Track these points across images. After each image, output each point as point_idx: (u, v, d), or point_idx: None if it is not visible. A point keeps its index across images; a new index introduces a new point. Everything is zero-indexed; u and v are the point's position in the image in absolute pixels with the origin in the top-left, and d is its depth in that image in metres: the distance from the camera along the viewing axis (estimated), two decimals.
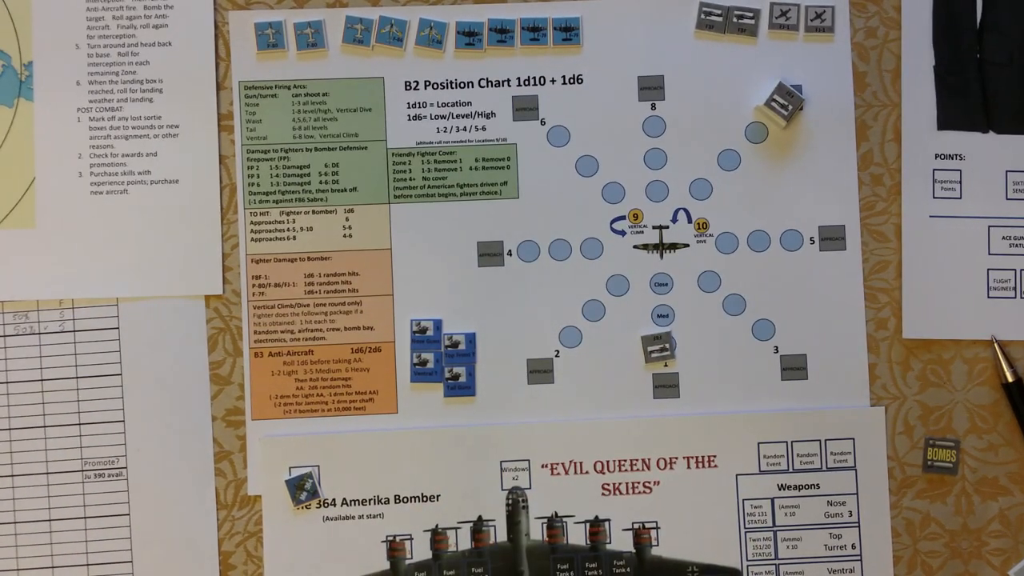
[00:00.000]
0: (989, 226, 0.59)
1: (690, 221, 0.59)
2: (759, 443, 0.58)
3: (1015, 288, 0.59)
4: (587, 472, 0.58)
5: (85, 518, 0.58)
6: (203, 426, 0.58)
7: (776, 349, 0.59)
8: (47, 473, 0.58)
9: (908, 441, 0.58)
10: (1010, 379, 0.58)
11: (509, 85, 0.59)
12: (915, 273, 0.58)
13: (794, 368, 0.58)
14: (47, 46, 0.58)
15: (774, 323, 0.59)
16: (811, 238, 0.59)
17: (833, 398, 0.58)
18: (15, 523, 0.58)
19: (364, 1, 0.59)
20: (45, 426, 0.58)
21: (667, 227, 0.59)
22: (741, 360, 0.58)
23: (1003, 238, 0.59)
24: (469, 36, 0.59)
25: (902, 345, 0.59)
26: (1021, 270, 0.59)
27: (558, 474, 0.58)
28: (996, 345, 0.58)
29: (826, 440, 0.58)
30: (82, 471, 0.58)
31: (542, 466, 0.58)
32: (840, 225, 0.59)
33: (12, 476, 0.58)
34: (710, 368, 0.58)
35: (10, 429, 0.58)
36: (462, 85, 0.59)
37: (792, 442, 0.58)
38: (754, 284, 0.59)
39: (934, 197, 0.59)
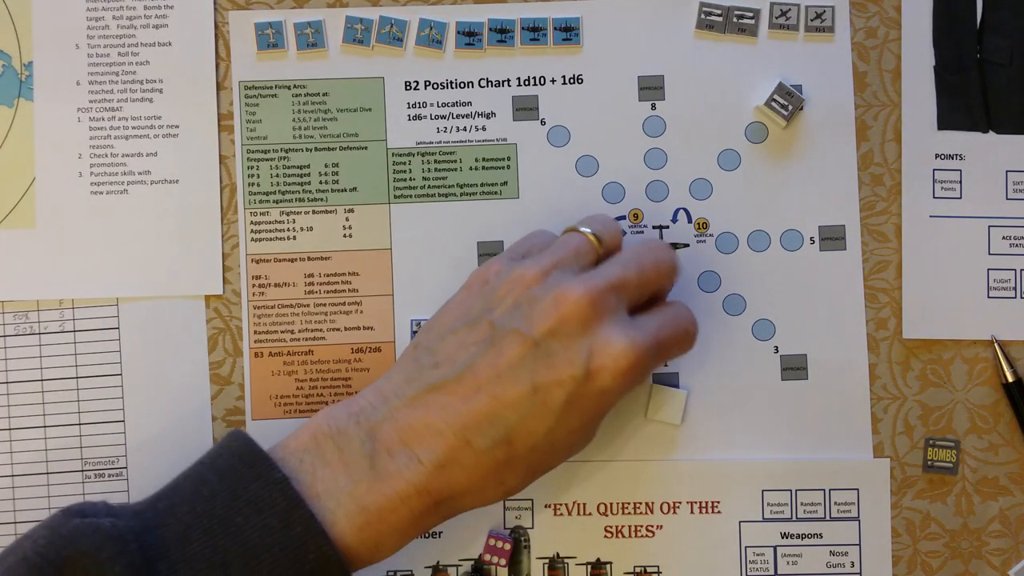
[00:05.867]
0: (989, 226, 0.59)
1: (690, 221, 0.59)
2: (763, 490, 0.58)
3: (1015, 288, 0.59)
4: (590, 514, 0.58)
5: None
6: (203, 426, 0.58)
7: (776, 349, 0.59)
8: (47, 473, 0.58)
9: (908, 441, 0.58)
10: (1010, 379, 0.58)
11: (509, 85, 0.59)
12: (915, 273, 0.58)
13: (794, 368, 0.58)
14: (47, 46, 0.58)
15: (774, 323, 0.59)
16: (811, 238, 0.59)
17: (833, 399, 0.58)
18: (15, 523, 0.58)
19: (364, 1, 0.59)
20: (45, 426, 0.58)
21: (667, 227, 0.59)
22: (741, 360, 0.58)
23: (1003, 238, 0.59)
24: (469, 36, 0.59)
25: (902, 345, 0.59)
26: (1021, 270, 0.59)
27: (561, 515, 0.58)
28: (996, 345, 0.58)
29: (830, 490, 0.58)
30: (82, 471, 0.58)
31: (545, 506, 0.58)
32: (840, 225, 0.59)
33: (12, 476, 0.58)
34: (710, 368, 0.58)
35: (10, 429, 0.58)
36: (462, 85, 0.59)
37: (796, 491, 0.58)
38: (754, 284, 0.59)
39: (934, 197, 0.59)
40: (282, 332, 0.59)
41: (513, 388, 0.46)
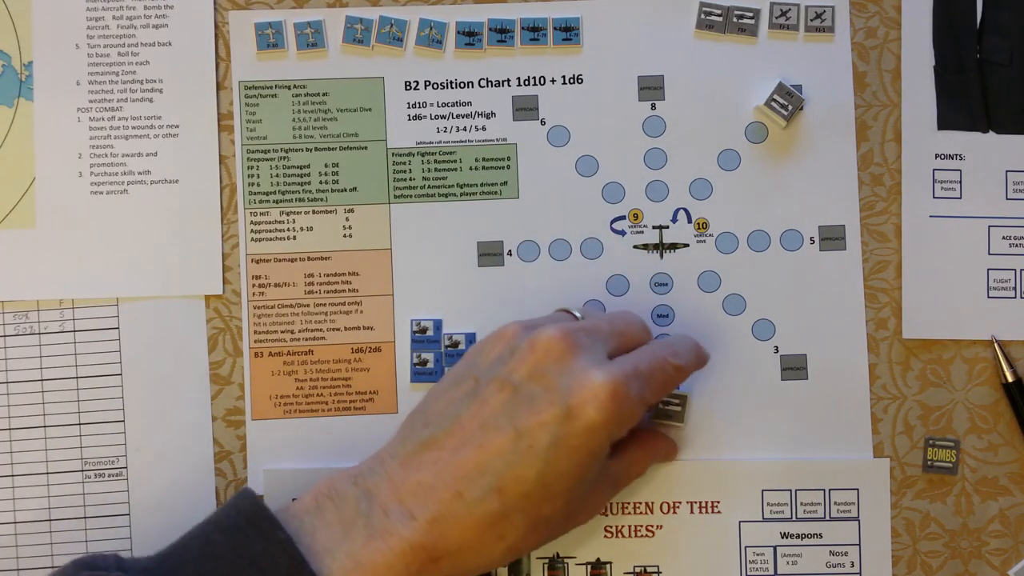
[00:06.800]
0: (989, 226, 0.59)
1: (690, 221, 0.59)
2: (763, 490, 0.58)
3: (1015, 288, 0.59)
4: None
5: (85, 518, 0.58)
6: (203, 426, 0.58)
7: (776, 349, 0.59)
8: (47, 473, 0.58)
9: (908, 441, 0.58)
10: (1010, 379, 0.58)
11: (509, 85, 0.59)
12: (915, 273, 0.58)
13: (794, 368, 0.58)
14: (47, 46, 0.58)
15: (774, 323, 0.59)
16: (811, 238, 0.59)
17: (833, 399, 0.58)
18: (15, 523, 0.58)
19: (364, 1, 0.59)
20: (45, 426, 0.58)
21: (667, 227, 0.59)
22: (741, 360, 0.58)
23: (1003, 238, 0.59)
24: (469, 36, 0.59)
25: (902, 345, 0.59)
26: (1021, 270, 0.59)
27: None
28: (996, 345, 0.58)
29: (830, 490, 0.58)
30: (82, 471, 0.58)
31: None
32: (840, 225, 0.59)
33: (12, 476, 0.58)
34: (710, 368, 0.58)
35: (10, 429, 0.58)
36: (462, 85, 0.59)
37: (796, 490, 0.58)
38: (754, 284, 0.59)
39: (934, 197, 0.59)
40: (282, 332, 0.59)
41: (497, 435, 0.46)
